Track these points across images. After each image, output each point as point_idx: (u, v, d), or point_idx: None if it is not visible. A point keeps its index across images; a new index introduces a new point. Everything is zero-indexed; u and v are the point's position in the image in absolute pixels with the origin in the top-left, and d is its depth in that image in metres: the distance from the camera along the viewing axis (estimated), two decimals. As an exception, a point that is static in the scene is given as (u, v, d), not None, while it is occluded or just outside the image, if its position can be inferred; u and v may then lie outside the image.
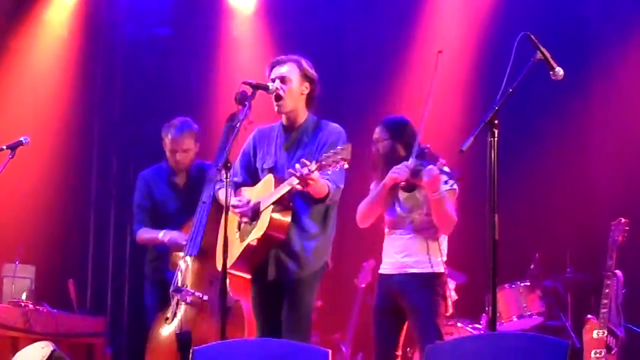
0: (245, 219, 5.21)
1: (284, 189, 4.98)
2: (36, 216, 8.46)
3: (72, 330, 7.14)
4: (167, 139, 6.29)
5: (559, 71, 4.54)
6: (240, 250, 5.17)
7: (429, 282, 5.38)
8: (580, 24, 7.89)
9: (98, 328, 7.24)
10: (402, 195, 5.49)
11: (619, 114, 7.64)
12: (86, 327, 7.20)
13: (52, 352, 5.79)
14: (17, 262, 7.34)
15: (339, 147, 4.82)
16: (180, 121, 6.34)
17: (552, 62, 4.55)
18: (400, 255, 5.48)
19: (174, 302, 5.95)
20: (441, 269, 5.44)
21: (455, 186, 5.40)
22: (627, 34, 7.74)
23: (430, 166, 5.20)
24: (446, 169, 5.26)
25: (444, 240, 5.51)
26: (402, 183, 5.31)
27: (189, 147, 6.29)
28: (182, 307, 5.92)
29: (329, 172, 4.96)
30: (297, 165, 4.86)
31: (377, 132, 5.62)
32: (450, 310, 5.50)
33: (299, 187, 4.92)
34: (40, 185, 8.55)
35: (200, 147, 6.51)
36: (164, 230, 6.14)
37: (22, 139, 6.08)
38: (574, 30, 7.82)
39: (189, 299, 5.89)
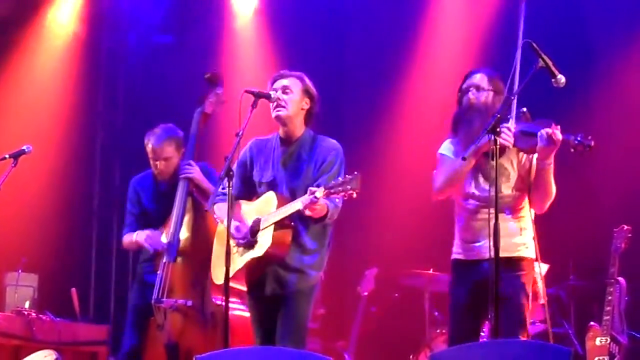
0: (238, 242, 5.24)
1: (288, 211, 5.01)
2: (39, 225, 8.46)
3: (75, 338, 7.12)
4: (148, 147, 6.18)
5: (561, 79, 4.56)
6: (241, 265, 5.19)
7: (518, 267, 4.72)
8: (582, 31, 7.90)
9: (101, 336, 7.21)
10: (486, 164, 4.80)
11: (622, 121, 7.63)
12: (89, 336, 7.18)
13: (55, 360, 5.80)
14: (19, 271, 7.34)
15: (348, 177, 4.80)
16: (162, 129, 6.20)
17: (554, 69, 4.56)
18: (487, 240, 4.75)
19: (161, 311, 5.88)
20: (531, 252, 4.90)
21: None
22: (630, 41, 7.74)
23: (548, 130, 4.62)
24: None
25: (529, 219, 4.96)
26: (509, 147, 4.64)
27: (170, 156, 6.14)
28: (169, 316, 5.86)
29: (337, 200, 4.99)
30: (308, 193, 4.85)
31: (478, 80, 4.97)
32: (543, 300, 5.07)
33: (306, 211, 4.92)
34: (42, 194, 8.56)
35: (204, 151, 6.47)
36: (137, 232, 6.07)
37: (24, 147, 6.08)
38: (576, 37, 7.83)
39: (174, 307, 5.83)
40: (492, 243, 4.45)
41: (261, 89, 5.27)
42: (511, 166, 4.91)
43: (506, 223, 4.82)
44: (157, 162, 6.16)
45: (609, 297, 6.33)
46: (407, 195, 7.09)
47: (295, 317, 5.17)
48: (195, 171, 6.02)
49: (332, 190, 4.79)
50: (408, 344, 7.31)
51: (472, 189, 4.97)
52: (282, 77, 5.34)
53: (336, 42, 8.83)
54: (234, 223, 5.15)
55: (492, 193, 4.73)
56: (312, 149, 5.25)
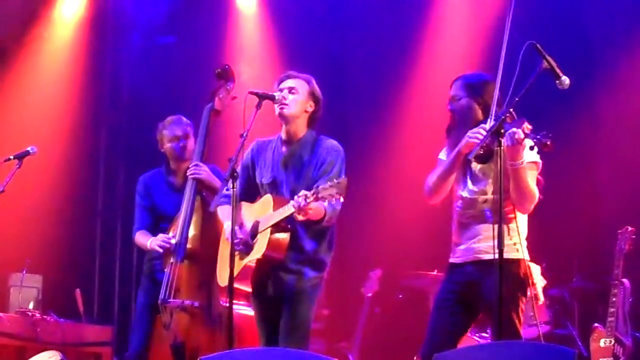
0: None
1: (282, 215, 5.02)
2: (43, 226, 8.47)
3: (80, 339, 7.14)
4: (166, 131, 6.18)
5: (565, 80, 4.55)
6: (239, 269, 5.19)
7: (505, 270, 4.48)
8: (585, 33, 7.89)
9: (105, 337, 7.24)
10: (475, 167, 4.90)
11: (626, 122, 7.63)
12: (93, 336, 7.20)
13: (59, 361, 5.81)
14: (24, 272, 7.36)
15: (335, 181, 4.79)
16: (173, 117, 6.25)
17: (558, 71, 4.55)
18: (472, 240, 4.89)
19: (167, 311, 5.87)
20: (519, 254, 4.78)
21: (538, 159, 4.77)
22: (633, 42, 7.73)
23: (513, 129, 4.48)
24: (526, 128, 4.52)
25: (523, 220, 4.89)
26: (479, 151, 4.57)
27: (189, 134, 6.16)
28: (175, 316, 5.85)
29: (334, 203, 4.97)
30: (297, 197, 4.86)
31: (453, 89, 4.98)
32: (542, 300, 4.95)
33: (297, 215, 4.94)
34: (47, 195, 8.57)
35: (209, 152, 6.47)
36: (151, 238, 6.04)
37: (29, 148, 6.10)
38: (579, 39, 7.82)
39: (180, 307, 5.84)
40: (496, 244, 4.44)
41: (265, 90, 5.28)
42: (498, 167, 4.74)
43: (491, 225, 4.77)
44: (181, 143, 6.13)
45: (613, 299, 6.33)
46: (411, 197, 7.05)
47: (295, 318, 5.18)
48: (203, 172, 5.99)
49: (320, 195, 4.79)
50: (412, 345, 7.28)
51: (461, 192, 4.97)
52: (289, 77, 5.35)
53: (339, 43, 8.82)
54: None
55: (477, 196, 4.86)
56: (314, 150, 5.26)
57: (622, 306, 6.39)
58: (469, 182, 4.94)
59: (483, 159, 4.75)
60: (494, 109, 4.70)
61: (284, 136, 5.35)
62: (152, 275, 6.17)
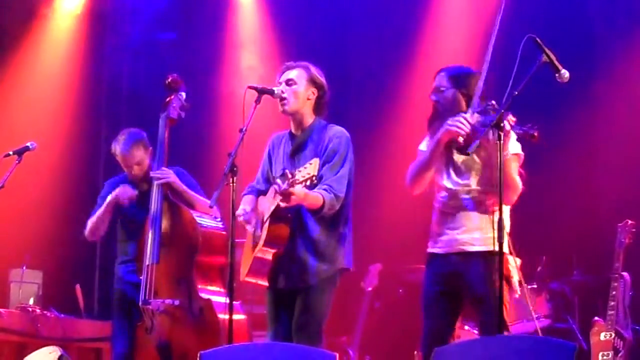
0: (250, 227, 5.25)
1: (274, 204, 5.01)
2: (43, 221, 8.48)
3: (80, 334, 7.16)
4: (118, 157, 6.24)
5: (565, 73, 4.55)
6: (250, 261, 5.21)
7: (489, 262, 4.66)
8: (584, 27, 7.89)
9: (105, 332, 7.22)
10: (457, 158, 4.92)
11: (624, 115, 7.63)
12: (93, 332, 7.21)
13: (60, 357, 5.81)
14: (24, 267, 7.37)
15: (308, 163, 4.78)
16: (126, 135, 6.26)
17: (557, 64, 4.56)
18: (456, 231, 4.90)
19: (148, 313, 5.88)
20: (504, 247, 4.65)
21: (520, 150, 4.82)
22: (632, 37, 7.73)
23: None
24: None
25: (506, 213, 4.77)
26: (460, 140, 4.63)
27: (141, 159, 6.21)
28: (157, 317, 5.85)
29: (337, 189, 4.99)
30: (278, 180, 4.83)
31: (437, 81, 5.01)
32: (518, 293, 4.93)
33: (281, 202, 4.89)
34: (47, 190, 8.57)
35: (209, 151, 6.47)
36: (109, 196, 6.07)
37: (28, 144, 6.11)
38: (579, 33, 7.82)
39: (161, 307, 5.83)
40: (495, 236, 4.48)
41: (265, 84, 5.28)
42: (480, 158, 4.88)
43: (475, 217, 4.85)
44: (131, 168, 6.19)
45: (613, 292, 6.33)
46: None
47: (307, 314, 5.14)
48: (171, 175, 6.06)
49: (295, 179, 4.72)
50: (412, 340, 7.30)
51: (444, 182, 4.98)
52: (287, 69, 5.33)
53: (340, 37, 8.81)
54: (242, 209, 5.19)
55: (461, 187, 4.89)
56: (319, 138, 5.23)
57: (622, 300, 6.40)
58: (452, 174, 4.95)
59: (465, 150, 4.71)
60: (476, 99, 4.72)
61: (292, 128, 5.35)
62: (121, 279, 6.25)
